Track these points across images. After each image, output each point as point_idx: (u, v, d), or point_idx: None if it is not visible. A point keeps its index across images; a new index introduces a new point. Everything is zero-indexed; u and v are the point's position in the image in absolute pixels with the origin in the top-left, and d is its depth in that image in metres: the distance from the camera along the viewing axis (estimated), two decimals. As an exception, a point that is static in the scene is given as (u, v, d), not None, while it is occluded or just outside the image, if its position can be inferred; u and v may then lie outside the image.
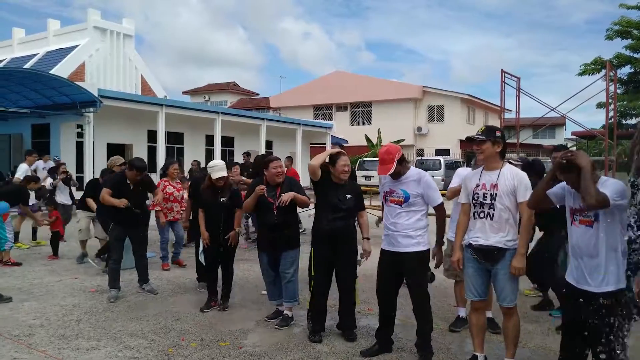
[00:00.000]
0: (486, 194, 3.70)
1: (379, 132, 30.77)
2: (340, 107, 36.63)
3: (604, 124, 18.46)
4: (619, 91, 21.37)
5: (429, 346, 4.05)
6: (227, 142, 23.79)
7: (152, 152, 19.26)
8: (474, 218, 3.78)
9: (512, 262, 3.58)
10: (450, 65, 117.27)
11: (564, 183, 3.25)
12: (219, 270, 5.41)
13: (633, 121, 22.45)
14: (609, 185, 2.92)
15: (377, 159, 17.73)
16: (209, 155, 22.13)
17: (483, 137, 3.70)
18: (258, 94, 52.60)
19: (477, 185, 3.76)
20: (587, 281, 3.03)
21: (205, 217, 5.31)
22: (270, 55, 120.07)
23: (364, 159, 25.94)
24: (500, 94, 14.36)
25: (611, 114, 15.66)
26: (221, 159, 20.62)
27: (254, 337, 4.55)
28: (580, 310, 3.05)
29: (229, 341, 4.40)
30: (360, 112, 35.91)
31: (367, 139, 30.25)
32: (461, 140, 31.46)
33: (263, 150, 23.15)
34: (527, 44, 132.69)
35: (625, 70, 22.50)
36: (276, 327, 4.77)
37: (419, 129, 33.35)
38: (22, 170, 9.48)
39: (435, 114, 33.74)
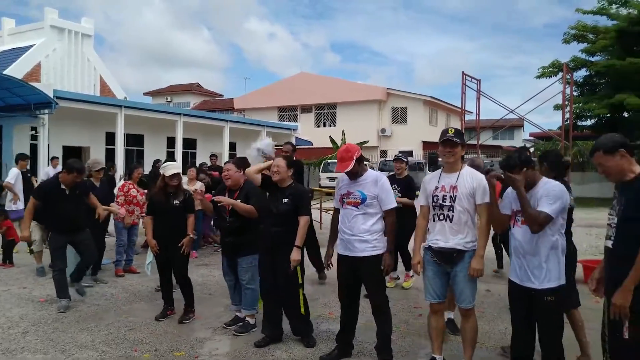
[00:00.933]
0: (445, 196, 3.69)
1: (343, 133, 30.81)
2: (305, 109, 36.58)
3: (561, 126, 19.02)
4: (575, 93, 22.06)
5: (388, 349, 4.01)
6: (189, 144, 23.39)
7: (110, 154, 18.75)
8: (434, 220, 3.77)
9: (471, 263, 3.58)
10: (415, 67, 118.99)
11: (509, 190, 3.40)
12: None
13: (588, 123, 23.20)
14: (545, 196, 3.20)
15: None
16: (170, 158, 21.68)
17: (458, 140, 3.69)
18: (222, 95, 52.01)
19: (437, 188, 3.75)
20: (530, 279, 3.24)
21: (156, 222, 5.03)
22: (235, 56, 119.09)
23: (328, 160, 25.95)
24: (461, 96, 14.57)
25: (567, 115, 16.13)
26: (183, 161, 20.28)
27: (211, 345, 4.41)
28: (526, 307, 3.29)
29: (184, 351, 4.24)
30: (325, 113, 35.95)
31: (332, 141, 30.26)
32: (424, 142, 31.89)
33: (226, 153, 22.88)
34: (489, 47, 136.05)
35: (581, 73, 23.26)
36: (234, 333, 4.65)
37: (383, 130, 33.63)
38: (12, 175, 8.91)
39: (399, 116, 34.10)
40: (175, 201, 4.98)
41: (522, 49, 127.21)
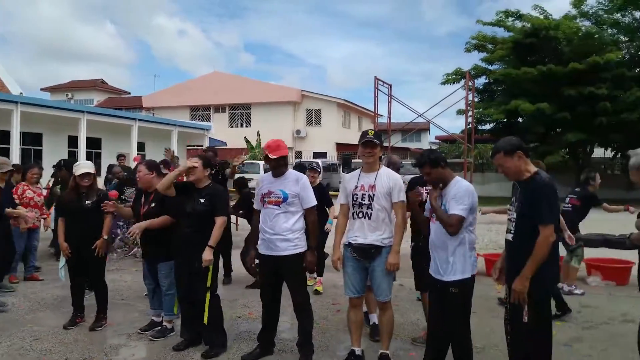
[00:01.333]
0: (364, 194, 3.84)
1: (258, 134, 30.76)
2: (219, 109, 35.99)
3: (464, 129, 20.29)
4: (475, 99, 23.61)
5: (310, 344, 4.08)
6: (94, 143, 22.08)
7: (4, 154, 17.21)
8: (353, 218, 3.90)
9: (388, 258, 3.75)
10: (327, 69, 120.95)
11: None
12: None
13: (487, 127, 24.94)
14: (453, 199, 3.42)
15: (256, 161, 17.64)
16: (72, 157, 20.39)
17: (377, 142, 3.84)
18: (129, 93, 49.81)
19: (356, 187, 3.89)
20: (439, 272, 3.47)
21: (68, 224, 4.77)
22: (143, 53, 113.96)
23: (244, 161, 25.69)
24: (373, 100, 15.08)
25: (470, 120, 17.25)
26: (87, 161, 19.13)
27: (127, 351, 4.25)
28: (437, 296, 3.52)
29: (97, 358, 4.05)
30: (240, 114, 35.60)
31: (247, 141, 30.11)
32: (338, 144, 32.59)
33: (135, 153, 21.89)
34: (397, 53, 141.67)
35: (481, 81, 24.96)
36: (151, 338, 4.51)
37: (298, 132, 33.92)
38: None
39: (314, 118, 34.58)
40: (88, 202, 4.72)
41: (428, 56, 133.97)
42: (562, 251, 5.42)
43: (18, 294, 5.93)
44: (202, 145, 26.34)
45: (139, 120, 23.03)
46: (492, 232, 11.43)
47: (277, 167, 4.05)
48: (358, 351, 3.96)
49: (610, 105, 19.57)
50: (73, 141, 20.58)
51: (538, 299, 3.07)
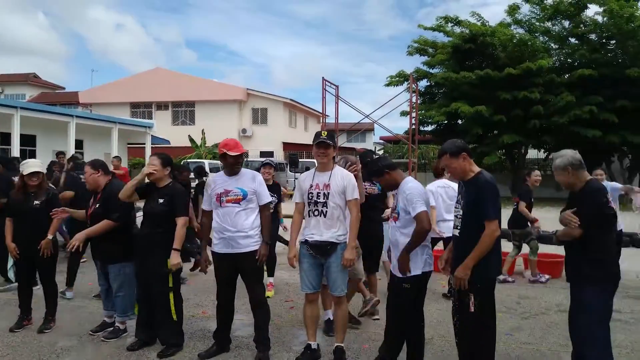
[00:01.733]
0: (320, 193, 3.96)
1: (203, 132, 30.25)
2: (161, 106, 35.09)
3: (407, 130, 20.88)
4: (418, 102, 24.34)
5: (266, 340, 4.15)
6: (28, 141, 21.01)
7: None
8: (309, 216, 4.02)
9: (344, 254, 3.89)
10: (272, 69, 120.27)
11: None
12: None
13: (429, 128, 25.77)
14: (408, 201, 3.61)
15: (202, 160, 17.47)
16: (5, 155, 19.32)
17: (330, 142, 3.96)
18: (64, 88, 47.60)
19: (311, 186, 4.01)
20: (396, 268, 3.68)
21: (15, 224, 4.62)
22: (78, 46, 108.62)
23: (188, 160, 25.27)
24: (321, 101, 15.31)
25: (413, 121, 17.78)
26: (21, 159, 18.23)
27: (78, 353, 4.17)
28: (392, 292, 3.77)
29: (49, 360, 3.96)
30: (183, 111, 34.87)
31: (191, 140, 29.56)
32: (284, 143, 32.60)
33: (72, 151, 21.01)
34: (341, 54, 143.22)
35: (423, 83, 25.72)
36: (103, 339, 4.43)
37: (244, 130, 33.64)
38: None
39: (259, 117, 34.40)
40: (36, 201, 4.59)
41: (371, 58, 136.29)
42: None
43: (-46, 299, 5.64)
44: (143, 144, 25.65)
45: (77, 116, 22.07)
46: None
47: (235, 164, 4.10)
48: (314, 345, 4.08)
49: (542, 109, 20.74)
50: (5, 138, 19.51)
51: (483, 286, 3.31)
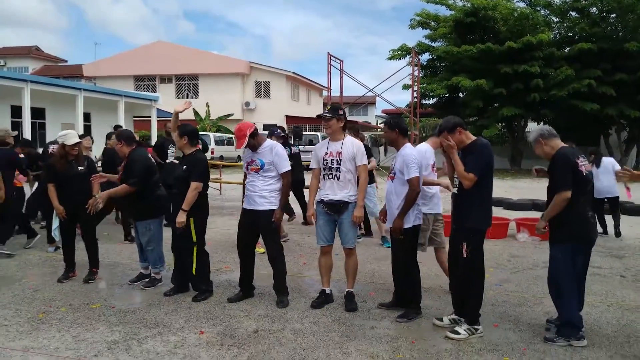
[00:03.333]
0: (333, 159, 4.53)
1: (207, 106, 30.62)
2: (165, 79, 35.36)
3: (409, 103, 21.27)
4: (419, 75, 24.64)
5: (284, 287, 4.75)
6: (38, 113, 21.46)
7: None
8: (324, 179, 4.58)
9: (354, 212, 4.47)
10: (272, 40, 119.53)
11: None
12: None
13: (430, 101, 26.15)
14: (403, 162, 4.19)
15: (207, 133, 18.18)
16: (15, 128, 19.83)
17: (330, 115, 4.50)
18: (66, 61, 47.83)
19: (326, 153, 4.57)
20: (390, 222, 4.32)
21: (60, 188, 5.18)
22: (76, 18, 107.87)
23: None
24: (327, 75, 15.71)
25: (415, 94, 18.17)
26: (32, 132, 18.69)
27: (124, 298, 4.78)
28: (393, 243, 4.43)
29: (99, 303, 4.58)
30: (187, 84, 35.15)
31: (196, 113, 29.90)
32: (287, 116, 32.97)
33: (81, 124, 21.48)
34: (343, 26, 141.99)
35: (425, 57, 25.95)
36: (142, 287, 5.05)
37: (247, 104, 34.00)
38: None
39: (262, 90, 34.70)
40: (80, 168, 5.23)
41: (372, 31, 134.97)
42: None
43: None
44: (149, 117, 26.06)
45: (85, 90, 22.50)
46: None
47: (251, 146, 4.65)
48: (328, 290, 4.70)
49: (542, 82, 21.10)
50: (16, 111, 19.96)
51: (475, 236, 3.92)
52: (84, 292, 4.91)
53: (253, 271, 4.90)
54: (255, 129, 4.69)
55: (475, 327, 3.93)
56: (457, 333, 3.88)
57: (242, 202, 4.92)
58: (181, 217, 4.62)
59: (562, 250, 3.81)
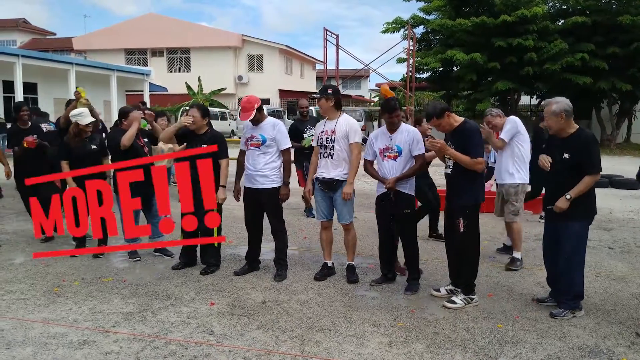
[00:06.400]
0: (328, 138, 4.67)
1: (199, 79, 30.39)
2: (156, 53, 34.98)
3: (403, 77, 21.29)
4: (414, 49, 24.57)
5: (284, 260, 4.94)
6: (30, 88, 21.32)
7: None
8: (320, 157, 4.74)
9: (343, 189, 4.61)
10: (262, 12, 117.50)
11: (372, 136, 4.47)
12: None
13: (424, 75, 26.12)
14: (413, 139, 4.44)
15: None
16: (8, 103, 19.73)
17: (317, 95, 4.64)
18: (55, 34, 47.04)
19: (322, 132, 4.72)
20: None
21: (74, 165, 5.28)
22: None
23: (187, 107, 25.62)
24: (323, 50, 15.70)
25: (410, 68, 18.23)
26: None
27: (134, 272, 4.96)
28: (389, 220, 4.64)
29: (111, 277, 4.76)
30: (179, 58, 34.80)
31: (188, 87, 29.71)
32: (281, 90, 32.84)
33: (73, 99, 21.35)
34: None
35: (419, 30, 25.86)
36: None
37: (240, 77, 33.76)
38: None
39: (255, 64, 34.42)
40: (93, 146, 5.40)
41: (365, 1, 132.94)
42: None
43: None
44: (141, 91, 25.91)
45: (77, 64, 22.32)
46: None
47: (253, 123, 4.77)
48: (329, 263, 4.91)
49: (536, 56, 21.16)
50: (8, 86, 19.81)
51: (470, 211, 4.12)
52: (95, 266, 5.09)
53: (260, 245, 5.08)
54: (262, 104, 4.82)
55: (471, 296, 4.16)
56: (454, 302, 4.11)
57: (236, 178, 5.01)
58: (222, 194, 4.81)
59: (584, 226, 3.94)
